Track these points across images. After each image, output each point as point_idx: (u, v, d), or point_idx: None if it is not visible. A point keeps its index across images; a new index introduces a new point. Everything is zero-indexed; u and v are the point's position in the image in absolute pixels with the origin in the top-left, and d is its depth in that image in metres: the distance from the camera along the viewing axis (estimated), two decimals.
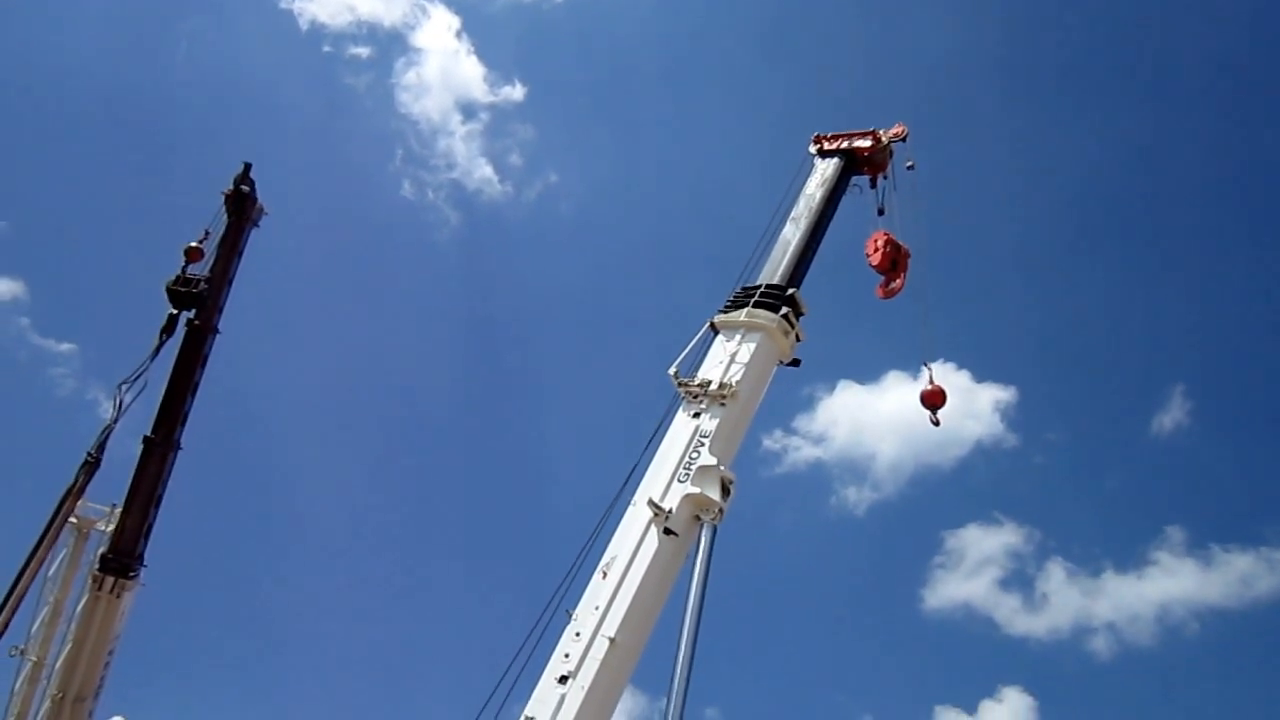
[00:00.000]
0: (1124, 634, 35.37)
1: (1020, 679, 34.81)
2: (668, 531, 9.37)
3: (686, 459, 9.90)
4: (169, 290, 14.39)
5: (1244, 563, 36.21)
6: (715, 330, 11.30)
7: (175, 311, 14.36)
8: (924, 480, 40.56)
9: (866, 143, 13.42)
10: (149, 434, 14.12)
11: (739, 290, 11.69)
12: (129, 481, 14.16)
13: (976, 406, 39.62)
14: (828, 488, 41.26)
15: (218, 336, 14.63)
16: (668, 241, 48.70)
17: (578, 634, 8.91)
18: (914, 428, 39.02)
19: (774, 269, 11.88)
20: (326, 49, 45.26)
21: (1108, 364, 44.18)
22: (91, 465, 14.00)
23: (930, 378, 13.07)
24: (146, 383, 14.19)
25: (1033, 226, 47.67)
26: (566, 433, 44.45)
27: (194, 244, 14.70)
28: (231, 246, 14.86)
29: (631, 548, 9.38)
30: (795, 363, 11.44)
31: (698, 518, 9.52)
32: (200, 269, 14.64)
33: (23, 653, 15.11)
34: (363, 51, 44.59)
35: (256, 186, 15.05)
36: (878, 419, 41.27)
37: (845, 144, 13.46)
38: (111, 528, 14.73)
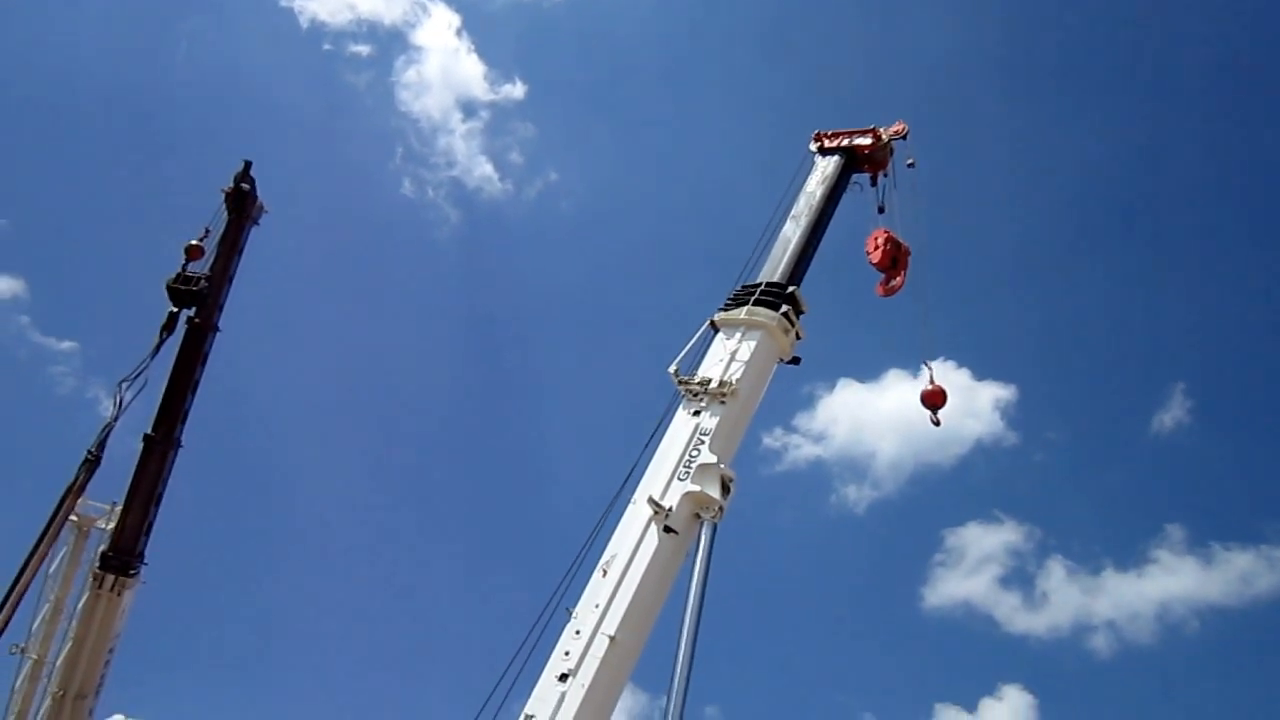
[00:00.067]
0: (1124, 632, 35.41)
1: (1020, 677, 34.86)
2: (668, 529, 9.37)
3: (687, 457, 9.89)
4: (169, 288, 14.37)
5: (1244, 561, 36.25)
6: (715, 328, 11.29)
7: (175, 309, 14.33)
8: (924, 478, 40.62)
9: (867, 140, 13.41)
10: (149, 432, 14.11)
11: (739, 288, 11.68)
12: (129, 479, 14.16)
13: (977, 405, 39.67)
14: (828, 486, 41.32)
15: (218, 334, 14.62)
16: (668, 239, 48.75)
17: (578, 632, 8.91)
18: (914, 426, 39.12)
19: (774, 267, 11.87)
20: (327, 47, 45.31)
21: (1108, 362, 44.22)
22: (92, 463, 13.98)
23: (931, 377, 13.05)
24: (147, 381, 14.19)
25: (1033, 225, 47.70)
26: (567, 431, 44.50)
27: (194, 242, 14.67)
28: (232, 244, 14.85)
29: (632, 546, 9.38)
30: (795, 361, 11.43)
31: (698, 516, 9.52)
32: (200, 267, 14.62)
33: (23, 651, 15.14)
34: (363, 50, 44.63)
35: (257, 184, 15.03)
36: (878, 417, 41.32)
37: (846, 142, 13.45)
38: (112, 526, 14.74)
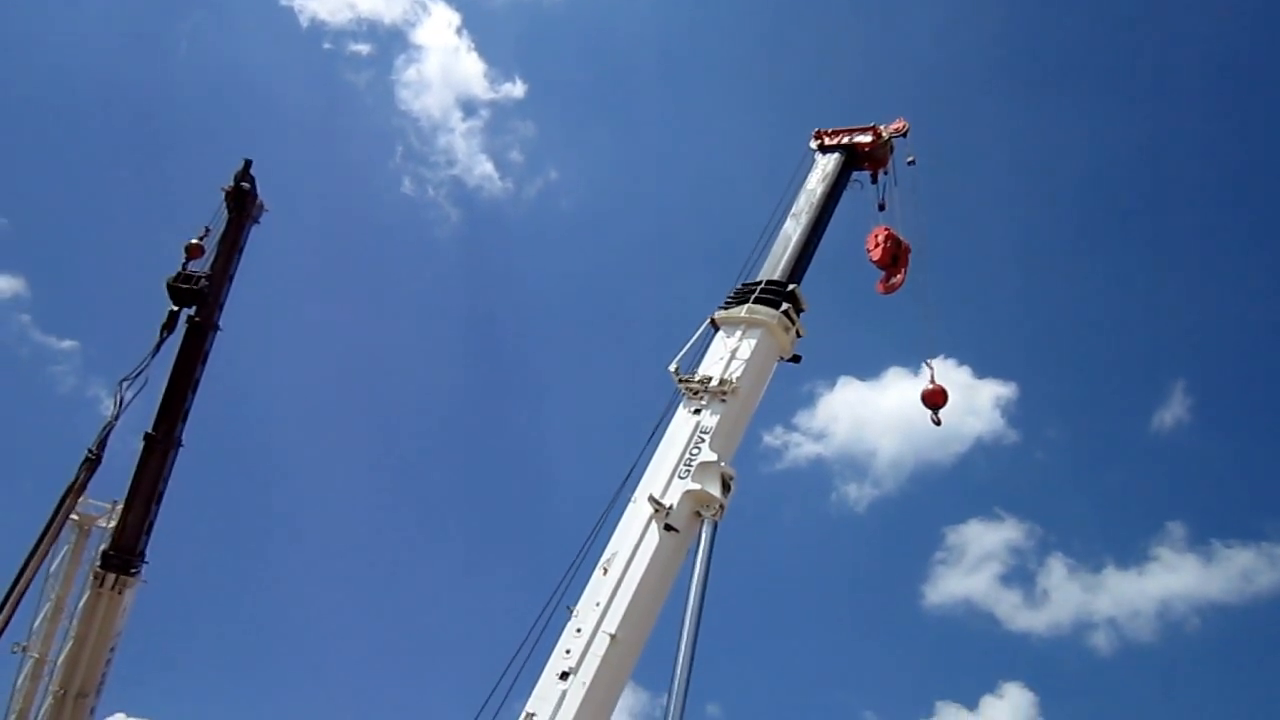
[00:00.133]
0: (1125, 630, 35.45)
1: (1021, 675, 34.91)
2: (668, 528, 9.36)
3: (687, 455, 9.89)
4: (170, 287, 14.37)
5: (1245, 558, 36.29)
6: (716, 326, 11.28)
7: (176, 308, 14.33)
8: (925, 476, 40.66)
9: (867, 138, 13.40)
10: (150, 431, 14.12)
11: (739, 286, 11.68)
12: (130, 478, 14.18)
13: (977, 403, 39.69)
14: (828, 484, 41.35)
15: (218, 333, 14.63)
16: (668, 238, 48.76)
17: (579, 630, 8.91)
18: (915, 424, 39.15)
19: (774, 265, 11.86)
20: (327, 46, 45.34)
21: (1108, 360, 44.26)
22: (92, 462, 13.98)
23: (932, 376, 13.04)
24: (147, 379, 14.19)
25: (1034, 222, 47.72)
26: (567, 429, 44.54)
27: (195, 241, 14.68)
28: (232, 243, 14.85)
29: (632, 544, 9.38)
30: (796, 359, 11.42)
31: (698, 514, 9.52)
32: (201, 266, 14.62)
33: (25, 649, 15.18)
34: (363, 48, 44.67)
35: (257, 183, 15.03)
36: (878, 415, 41.37)
37: (846, 139, 13.44)
38: (113, 525, 14.77)
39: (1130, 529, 39.72)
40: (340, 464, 42.57)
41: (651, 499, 9.54)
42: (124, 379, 14.15)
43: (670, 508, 9.45)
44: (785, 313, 11.14)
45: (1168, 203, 44.72)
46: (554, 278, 48.32)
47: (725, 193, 46.44)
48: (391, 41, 48.27)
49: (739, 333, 11.05)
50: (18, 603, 13.68)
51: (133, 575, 14.33)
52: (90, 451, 13.95)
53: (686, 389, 10.56)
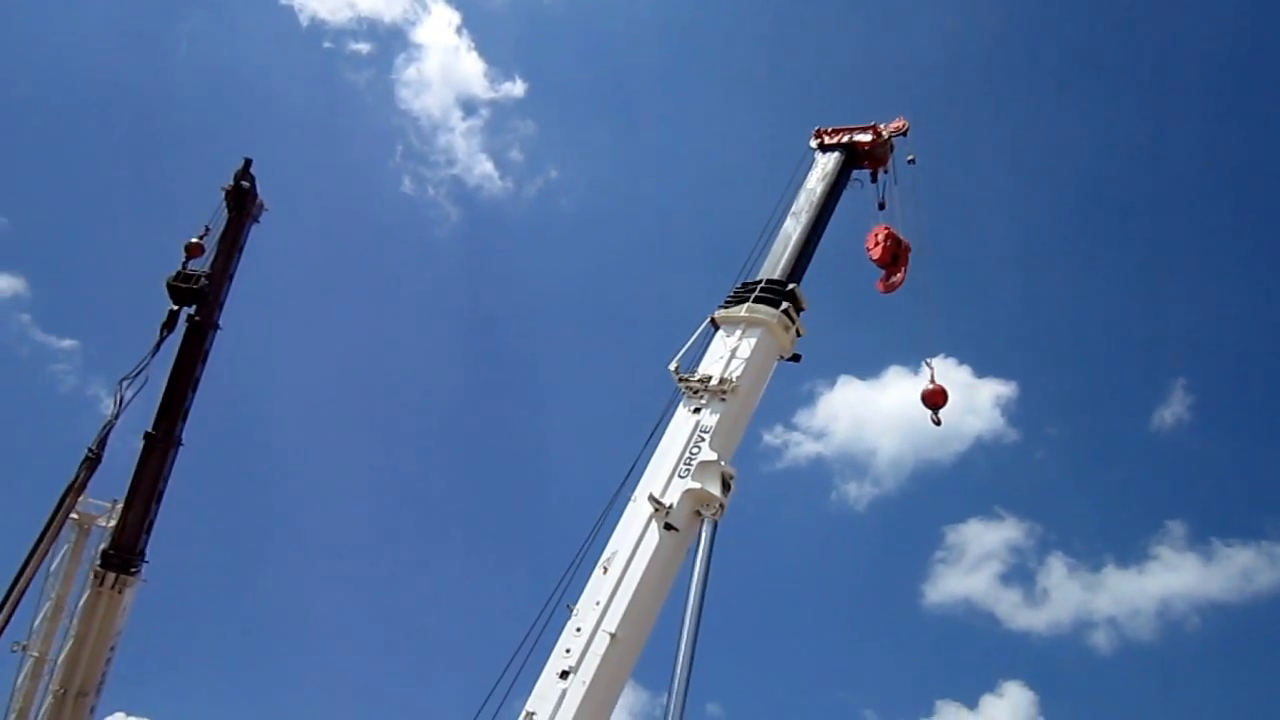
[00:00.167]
0: (1125, 628, 35.48)
1: (1021, 674, 35.00)
2: (668, 527, 9.36)
3: (687, 454, 9.89)
4: (170, 286, 14.38)
5: (1245, 557, 36.33)
6: (716, 325, 11.27)
7: (176, 307, 14.35)
8: (925, 475, 40.69)
9: (867, 137, 13.39)
10: (150, 430, 14.14)
11: (739, 285, 11.67)
12: (130, 477, 14.20)
13: (977, 402, 39.73)
14: (828, 483, 41.39)
15: (218, 332, 14.64)
16: (668, 237, 48.78)
17: (579, 629, 8.90)
18: (914, 423, 39.02)
19: (774, 264, 11.86)
20: (327, 45, 45.38)
21: (1108, 359, 44.30)
22: (92, 461, 13.99)
23: (932, 375, 13.01)
24: (147, 379, 14.21)
25: (1034, 222, 47.72)
26: (567, 428, 44.57)
27: (194, 240, 14.69)
28: (232, 242, 14.85)
29: (632, 543, 9.38)
30: (796, 358, 11.41)
31: (698, 513, 9.51)
32: (201, 265, 14.63)
33: (25, 648, 15.19)
34: (363, 48, 44.71)
35: (257, 182, 15.05)
36: (878, 414, 41.40)
37: (846, 138, 13.43)
38: (113, 524, 14.78)
39: (1130, 528, 39.81)
40: (340, 463, 42.65)
41: (651, 498, 9.54)
42: (124, 378, 14.19)
43: (670, 507, 9.45)
44: (785, 312, 11.12)
45: (1167, 203, 44.81)
46: (554, 277, 48.41)
47: (725, 192, 46.51)
48: (391, 41, 48.39)
49: (739, 332, 11.05)
50: (18, 602, 13.70)
51: (133, 574, 14.34)
52: (90, 450, 13.96)
53: (686, 388, 10.55)
